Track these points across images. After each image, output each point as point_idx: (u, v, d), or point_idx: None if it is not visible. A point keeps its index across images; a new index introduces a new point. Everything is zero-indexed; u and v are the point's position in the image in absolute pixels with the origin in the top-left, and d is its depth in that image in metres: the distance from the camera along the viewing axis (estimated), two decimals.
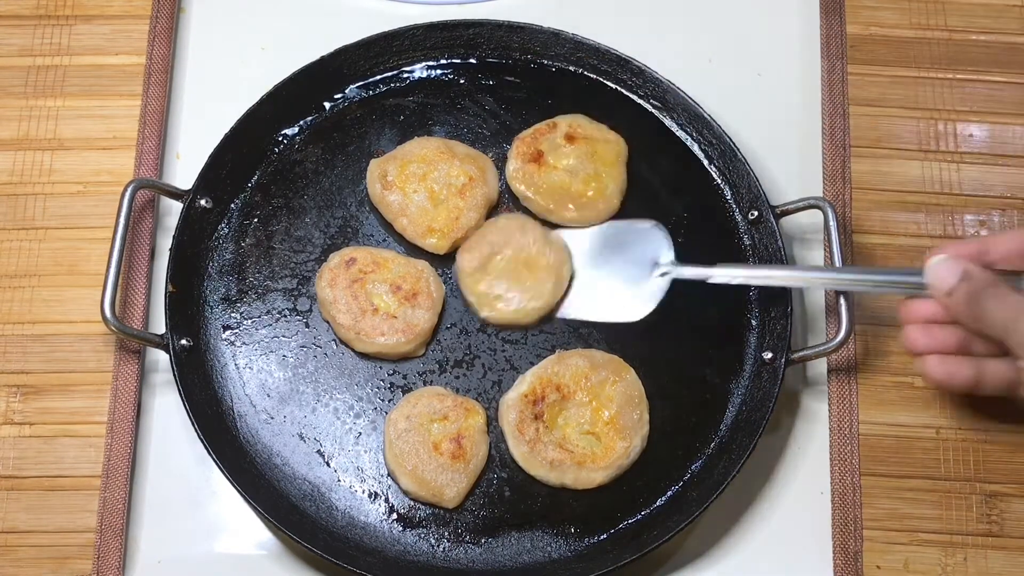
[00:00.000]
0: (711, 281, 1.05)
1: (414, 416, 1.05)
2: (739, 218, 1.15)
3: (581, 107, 1.18)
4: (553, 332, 1.11)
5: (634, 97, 1.20)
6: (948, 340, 0.93)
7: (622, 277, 1.09)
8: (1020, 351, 0.87)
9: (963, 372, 0.93)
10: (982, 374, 0.93)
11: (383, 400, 1.08)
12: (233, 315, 1.10)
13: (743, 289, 1.12)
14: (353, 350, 1.09)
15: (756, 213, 1.13)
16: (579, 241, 1.12)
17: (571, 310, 1.10)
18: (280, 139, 1.17)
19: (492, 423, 1.07)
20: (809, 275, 1.08)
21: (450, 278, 1.12)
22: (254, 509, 1.02)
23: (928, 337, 0.94)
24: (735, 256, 1.14)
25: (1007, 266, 0.91)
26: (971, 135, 1.22)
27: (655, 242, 1.09)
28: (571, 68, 1.21)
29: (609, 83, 1.20)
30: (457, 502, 1.04)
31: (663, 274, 1.07)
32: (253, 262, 1.12)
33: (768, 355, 1.08)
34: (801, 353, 1.08)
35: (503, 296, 1.09)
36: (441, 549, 1.04)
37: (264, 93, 1.14)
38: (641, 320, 1.09)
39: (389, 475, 1.05)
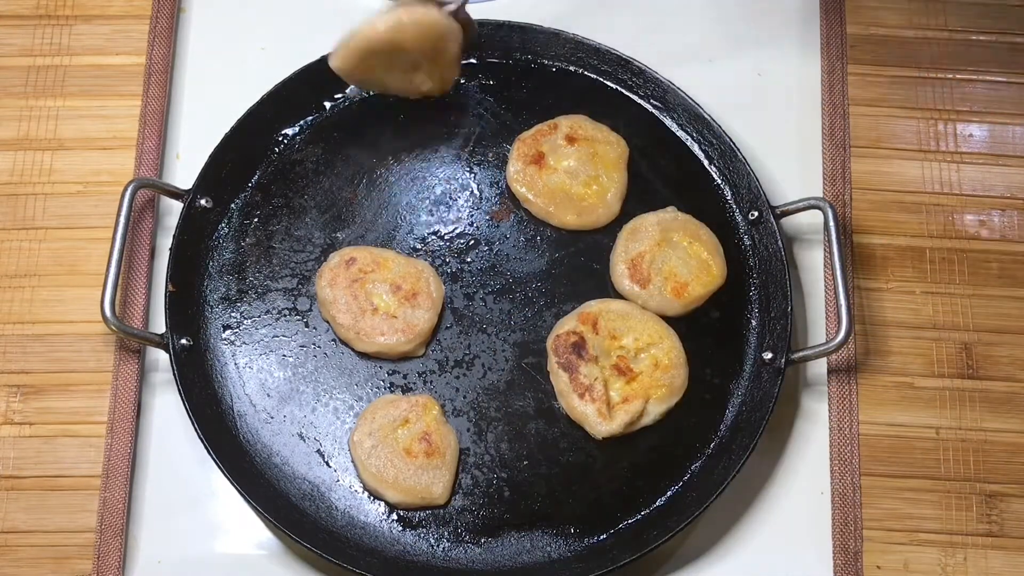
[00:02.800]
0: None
1: (376, 431, 1.04)
2: (739, 218, 1.15)
3: (581, 107, 1.18)
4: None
5: (634, 97, 1.20)
6: None
7: None
8: None
9: None
10: None
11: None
12: (233, 315, 1.10)
13: (743, 289, 1.13)
14: (353, 350, 1.09)
15: (756, 213, 1.13)
16: None
17: None
18: (280, 139, 1.17)
19: (460, 413, 1.08)
20: None
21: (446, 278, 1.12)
22: (254, 509, 1.02)
23: None
24: (736, 256, 1.14)
25: None
26: (971, 135, 1.22)
27: None
28: (571, 68, 1.21)
29: (609, 83, 1.20)
30: (446, 497, 1.04)
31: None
32: (253, 262, 1.12)
33: (768, 355, 1.08)
34: (801, 353, 1.08)
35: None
36: (441, 549, 1.04)
37: (264, 93, 1.14)
38: None
39: (372, 496, 1.05)
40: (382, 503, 1.04)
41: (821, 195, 1.18)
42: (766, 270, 1.12)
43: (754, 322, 1.12)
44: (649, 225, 1.13)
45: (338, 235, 1.14)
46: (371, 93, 1.19)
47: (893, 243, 1.18)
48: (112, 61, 1.21)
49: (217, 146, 1.12)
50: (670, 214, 1.14)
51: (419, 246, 1.14)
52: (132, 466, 1.07)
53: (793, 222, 1.16)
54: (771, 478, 1.10)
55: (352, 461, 1.05)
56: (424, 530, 1.04)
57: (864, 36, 1.25)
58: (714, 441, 1.08)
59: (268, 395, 1.08)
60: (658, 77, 1.17)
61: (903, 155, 1.21)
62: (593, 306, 1.10)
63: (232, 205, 1.14)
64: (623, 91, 1.20)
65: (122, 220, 1.07)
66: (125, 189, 1.08)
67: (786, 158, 1.21)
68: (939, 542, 1.08)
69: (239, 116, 1.14)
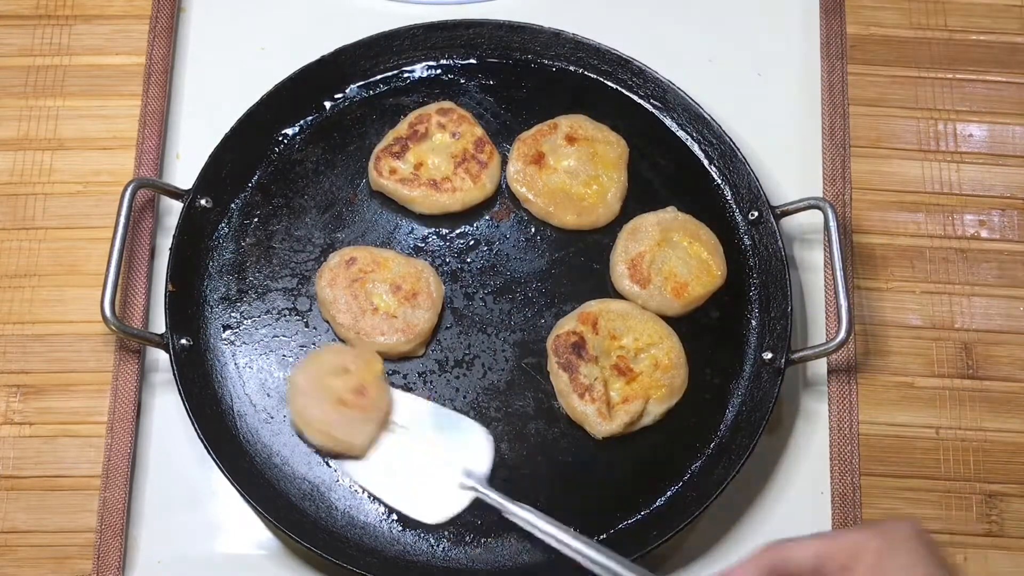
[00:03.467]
0: (506, 515, 0.99)
1: (314, 373, 1.04)
2: (739, 218, 1.15)
3: (581, 107, 1.18)
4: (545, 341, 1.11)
5: (634, 97, 1.20)
6: None
7: (429, 470, 1.03)
8: None
9: None
10: None
11: None
12: (233, 315, 1.10)
13: (743, 289, 1.13)
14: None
15: (756, 213, 1.13)
16: (410, 405, 1.06)
17: (368, 476, 1.03)
18: (280, 139, 1.17)
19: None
20: (593, 554, 0.93)
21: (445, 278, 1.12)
22: (254, 509, 1.02)
23: None
24: (736, 256, 1.14)
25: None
26: (971, 135, 1.22)
27: (477, 449, 1.04)
28: (571, 68, 1.21)
29: (609, 83, 1.20)
30: (365, 450, 1.03)
31: (469, 487, 1.02)
32: (253, 262, 1.12)
33: (768, 355, 1.08)
34: (801, 353, 1.08)
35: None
36: (441, 549, 1.04)
37: (264, 93, 1.14)
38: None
39: (297, 434, 1.05)
40: (382, 504, 1.04)
41: (821, 195, 1.18)
42: (766, 270, 1.12)
43: (754, 322, 1.12)
44: (649, 225, 1.13)
45: (338, 235, 1.14)
46: (372, 92, 1.19)
47: (893, 243, 1.18)
48: (112, 61, 1.21)
49: (217, 146, 1.12)
50: (670, 214, 1.14)
51: (419, 246, 1.14)
52: (132, 466, 1.07)
53: (793, 222, 1.16)
54: (771, 478, 1.10)
55: (286, 398, 1.05)
56: (424, 530, 1.04)
57: (864, 36, 1.25)
58: (714, 441, 1.08)
59: (268, 395, 1.08)
60: (658, 77, 1.17)
61: (903, 155, 1.21)
62: (593, 306, 1.10)
63: (232, 205, 1.14)
64: (623, 91, 1.20)
65: (122, 220, 1.07)
66: (125, 189, 1.08)
67: (786, 158, 1.21)
68: (939, 542, 1.07)
69: (239, 116, 1.13)
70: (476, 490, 1.01)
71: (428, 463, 1.04)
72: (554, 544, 0.96)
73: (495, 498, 1.00)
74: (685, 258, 1.11)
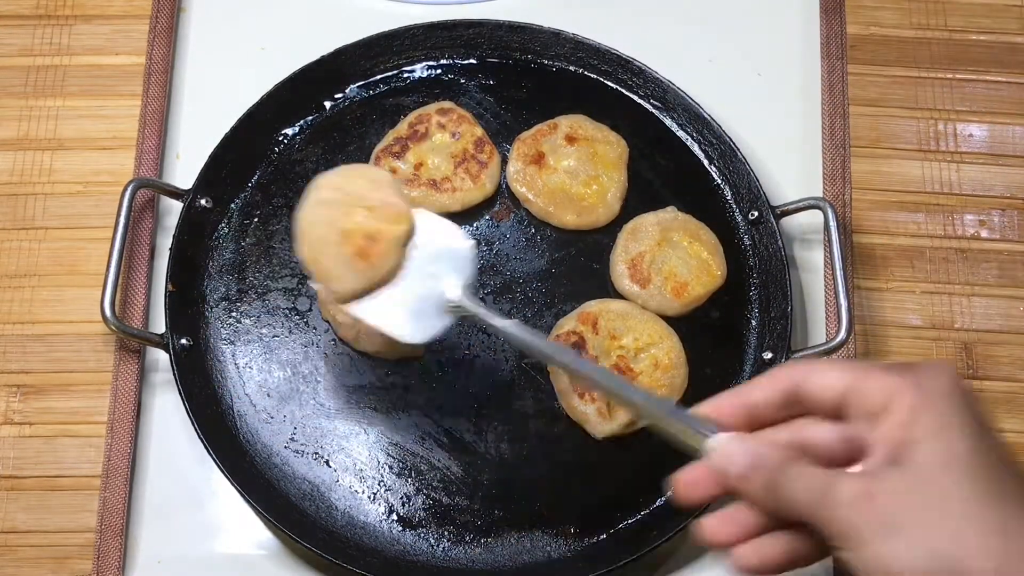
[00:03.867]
0: (493, 328, 0.89)
1: (343, 190, 0.93)
2: (739, 218, 1.15)
3: (581, 107, 1.18)
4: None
5: (634, 97, 1.20)
6: (749, 520, 0.72)
7: (418, 289, 0.93)
8: (836, 537, 0.65)
9: (776, 551, 0.71)
10: (792, 548, 0.72)
11: (382, 400, 1.08)
12: (233, 315, 1.10)
13: (743, 289, 1.13)
14: (353, 350, 1.09)
15: (756, 213, 1.13)
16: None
17: (364, 308, 0.93)
18: (280, 139, 1.17)
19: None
20: (594, 374, 0.85)
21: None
22: (254, 509, 1.02)
23: (731, 524, 0.72)
24: (736, 256, 1.14)
25: (776, 420, 0.72)
26: (971, 135, 1.22)
27: (463, 262, 0.93)
28: (571, 68, 1.21)
29: (609, 83, 1.20)
30: (341, 300, 0.93)
31: (454, 307, 0.91)
32: (253, 261, 1.12)
33: (768, 355, 1.08)
34: (801, 353, 1.08)
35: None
36: (441, 549, 1.04)
37: (264, 93, 1.14)
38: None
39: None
40: (382, 503, 1.04)
41: (821, 195, 1.18)
42: (766, 270, 1.12)
43: (754, 322, 1.12)
44: (649, 225, 1.13)
45: None
46: (372, 92, 1.19)
47: (893, 243, 1.18)
48: (112, 61, 1.21)
49: (217, 146, 1.12)
50: (670, 214, 1.14)
51: None
52: (132, 466, 1.07)
53: (793, 222, 1.16)
54: None
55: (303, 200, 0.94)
56: (424, 530, 1.04)
57: (864, 36, 1.25)
58: None
59: (268, 395, 1.08)
60: (658, 77, 1.17)
61: (903, 155, 1.21)
62: (593, 306, 1.10)
63: (232, 205, 1.14)
64: (623, 91, 1.20)
65: (122, 220, 1.07)
66: (125, 189, 1.08)
67: (786, 158, 1.21)
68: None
69: (239, 116, 1.14)
70: (460, 308, 0.91)
71: (413, 286, 0.93)
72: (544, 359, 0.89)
73: (478, 310, 0.90)
74: (685, 258, 1.11)
